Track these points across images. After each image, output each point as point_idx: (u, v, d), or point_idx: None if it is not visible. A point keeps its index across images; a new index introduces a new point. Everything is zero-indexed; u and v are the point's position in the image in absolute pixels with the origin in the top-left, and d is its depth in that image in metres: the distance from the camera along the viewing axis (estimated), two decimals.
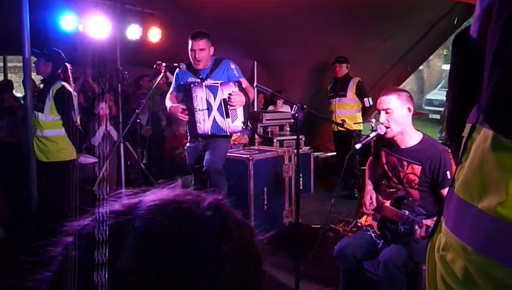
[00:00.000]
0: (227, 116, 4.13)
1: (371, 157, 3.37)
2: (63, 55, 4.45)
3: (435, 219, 2.47)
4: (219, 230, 0.59)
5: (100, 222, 0.57)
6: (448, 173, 2.77)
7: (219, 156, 4.21)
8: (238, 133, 6.06)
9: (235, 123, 4.18)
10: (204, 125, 4.15)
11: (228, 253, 0.58)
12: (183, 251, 0.56)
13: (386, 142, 3.04)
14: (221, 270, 0.57)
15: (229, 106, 4.09)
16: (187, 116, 4.18)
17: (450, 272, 0.94)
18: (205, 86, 4.11)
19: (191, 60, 4.21)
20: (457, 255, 0.92)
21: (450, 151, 2.66)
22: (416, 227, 2.70)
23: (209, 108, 4.13)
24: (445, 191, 2.71)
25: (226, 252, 0.58)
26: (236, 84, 4.14)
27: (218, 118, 4.14)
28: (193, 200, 0.62)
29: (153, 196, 0.63)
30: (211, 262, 0.56)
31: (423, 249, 2.61)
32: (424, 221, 2.70)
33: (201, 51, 4.14)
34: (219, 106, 4.11)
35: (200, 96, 4.11)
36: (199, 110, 4.13)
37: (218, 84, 4.11)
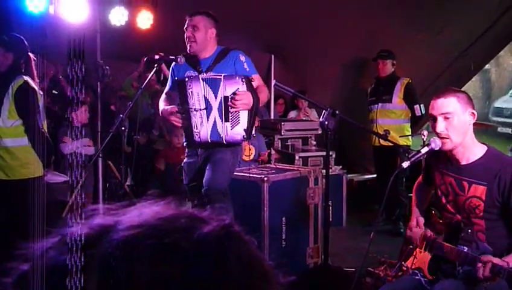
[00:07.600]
0: (226, 120, 4.12)
1: (419, 179, 3.35)
2: (26, 43, 4.49)
3: (506, 257, 2.56)
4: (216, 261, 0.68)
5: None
6: None
7: (222, 172, 4.19)
8: (252, 147, 6.02)
9: (235, 130, 4.16)
10: (201, 130, 4.14)
11: None
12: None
13: (441, 158, 3.05)
14: None
15: (230, 107, 4.09)
16: (180, 120, 4.17)
17: None
18: (202, 79, 4.12)
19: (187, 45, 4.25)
20: None
21: None
22: (479, 265, 2.64)
23: (208, 108, 4.14)
24: None
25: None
26: (244, 80, 4.14)
27: (218, 121, 4.15)
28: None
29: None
30: None
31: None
32: (491, 258, 2.65)
33: (195, 29, 4.17)
34: (219, 105, 4.12)
35: (196, 92, 4.12)
36: (195, 110, 4.13)
37: (221, 77, 4.11)
